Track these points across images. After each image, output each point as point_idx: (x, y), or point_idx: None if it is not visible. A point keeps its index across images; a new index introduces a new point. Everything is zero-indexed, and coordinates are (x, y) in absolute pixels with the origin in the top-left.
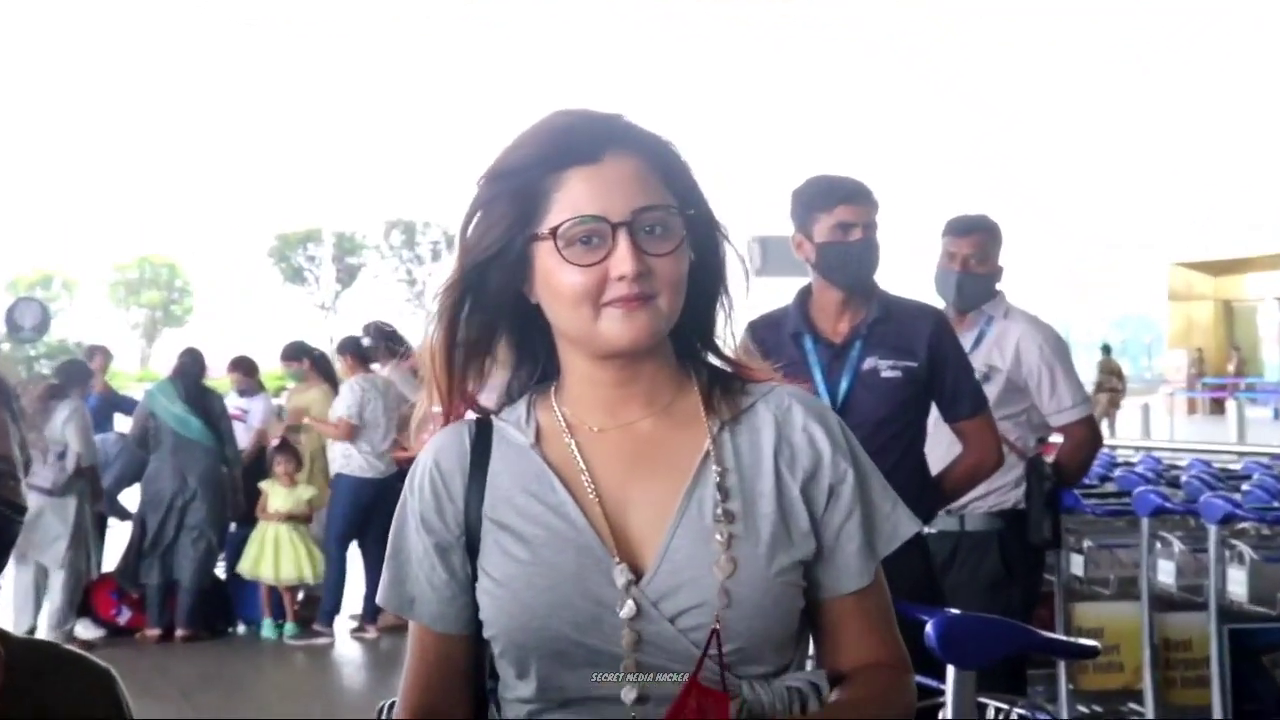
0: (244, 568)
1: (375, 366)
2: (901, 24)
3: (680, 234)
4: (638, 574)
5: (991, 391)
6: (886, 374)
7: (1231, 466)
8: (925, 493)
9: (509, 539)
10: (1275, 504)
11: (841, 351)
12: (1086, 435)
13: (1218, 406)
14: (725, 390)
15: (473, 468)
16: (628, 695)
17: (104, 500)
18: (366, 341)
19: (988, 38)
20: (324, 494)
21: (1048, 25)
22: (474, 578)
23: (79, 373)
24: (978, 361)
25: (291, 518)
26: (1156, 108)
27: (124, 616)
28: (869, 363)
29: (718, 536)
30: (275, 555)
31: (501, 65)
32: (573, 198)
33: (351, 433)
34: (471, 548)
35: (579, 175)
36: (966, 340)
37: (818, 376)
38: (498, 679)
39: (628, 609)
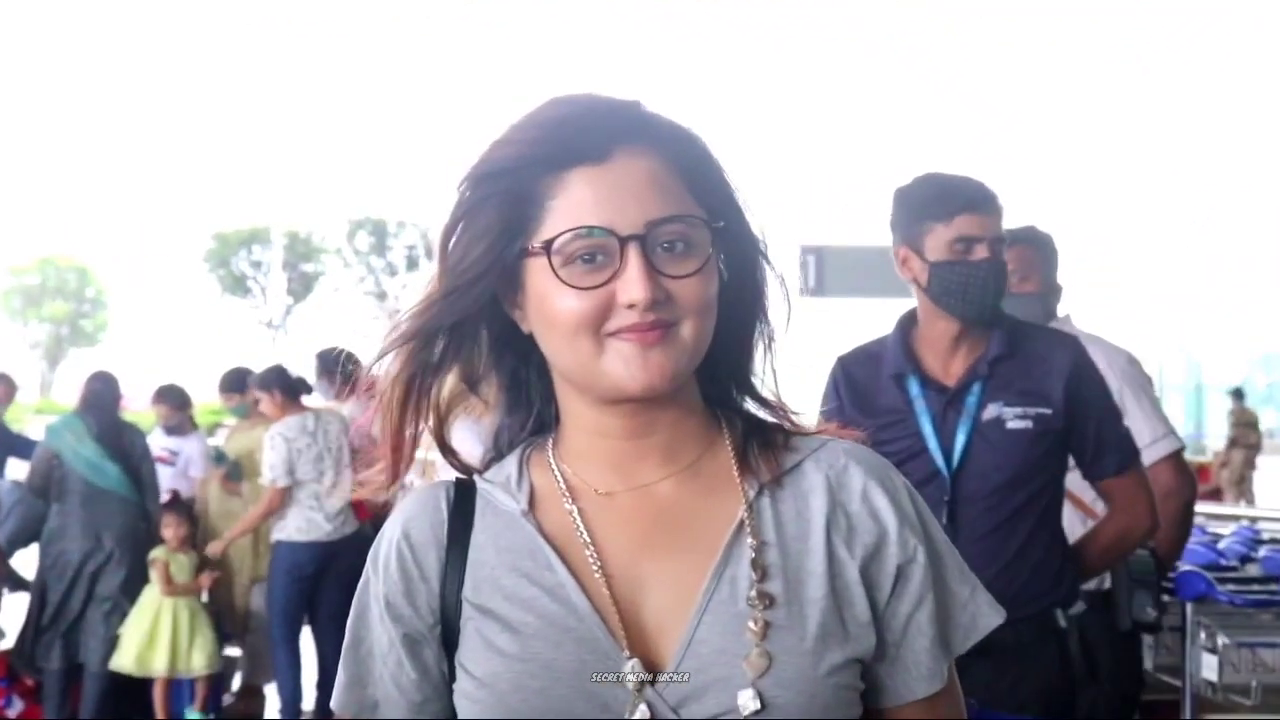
0: (124, 661)
1: (311, 401)
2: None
3: (707, 250)
4: (653, 672)
5: None
6: (1013, 424)
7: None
8: (1065, 570)
9: (494, 629)
10: (1249, 568)
11: (956, 397)
12: (1175, 480)
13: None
14: (764, 445)
15: (450, 541)
16: None
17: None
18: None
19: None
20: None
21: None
22: (451, 676)
23: None
24: None
25: (187, 591)
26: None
27: (14, 709)
28: (991, 410)
29: (751, 625)
30: (175, 640)
31: (488, 42)
32: (573, 205)
33: (282, 499)
34: (449, 640)
35: (582, 177)
36: None
37: (927, 429)
38: None
39: (640, 713)
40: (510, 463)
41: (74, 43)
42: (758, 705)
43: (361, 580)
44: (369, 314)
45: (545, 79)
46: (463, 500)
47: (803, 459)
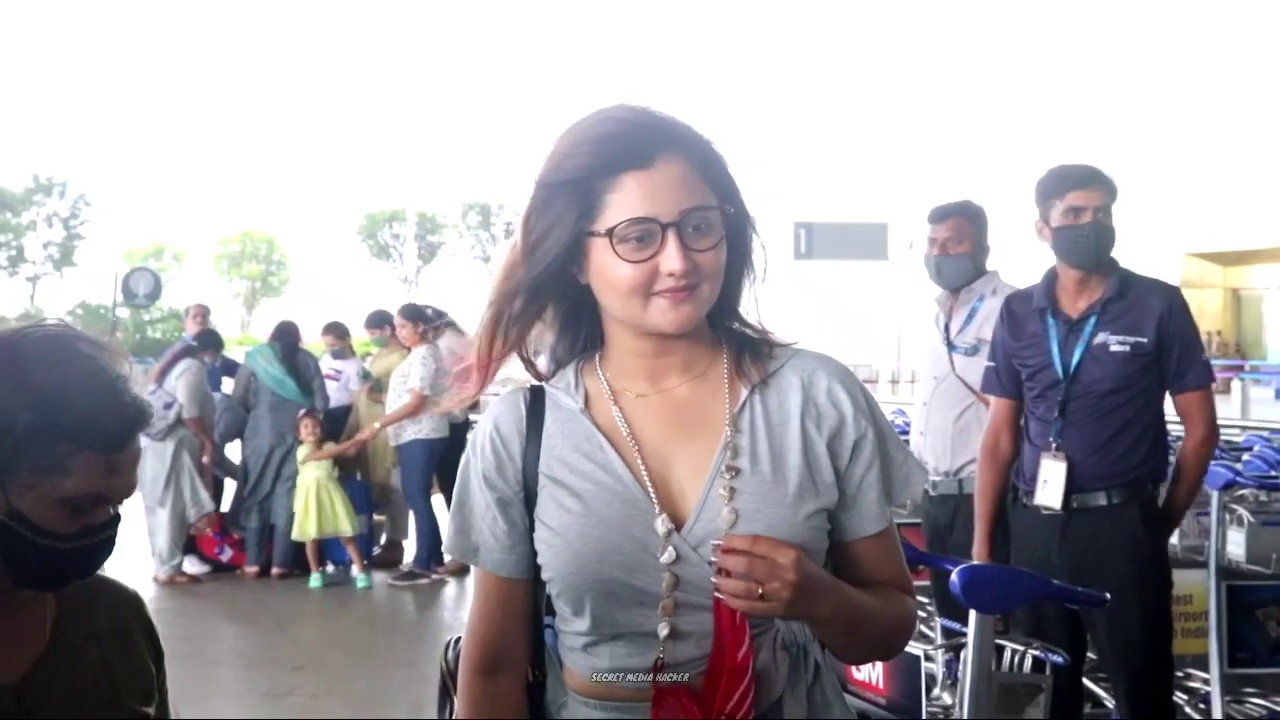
0: (294, 533)
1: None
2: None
3: (720, 229)
4: (678, 523)
5: (980, 363)
6: (1115, 348)
7: (1234, 439)
8: (1152, 456)
9: (563, 493)
10: (1273, 472)
11: (1077, 326)
12: None
13: (1224, 386)
14: (754, 356)
15: (529, 430)
16: (662, 631)
17: (214, 452)
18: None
19: (1005, 26)
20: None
21: (1059, 14)
22: (531, 528)
23: (210, 341)
24: (969, 336)
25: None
26: (1171, 102)
27: (226, 555)
28: (1100, 338)
29: (720, 491)
30: (320, 511)
31: (566, 57)
32: (627, 200)
33: (424, 404)
34: (529, 501)
35: (632, 179)
36: (959, 318)
37: (1054, 348)
38: (554, 615)
39: (668, 554)
40: (569, 372)
41: (267, 69)
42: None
43: (463, 459)
44: (477, 273)
45: (599, 73)
46: (536, 401)
47: (782, 365)
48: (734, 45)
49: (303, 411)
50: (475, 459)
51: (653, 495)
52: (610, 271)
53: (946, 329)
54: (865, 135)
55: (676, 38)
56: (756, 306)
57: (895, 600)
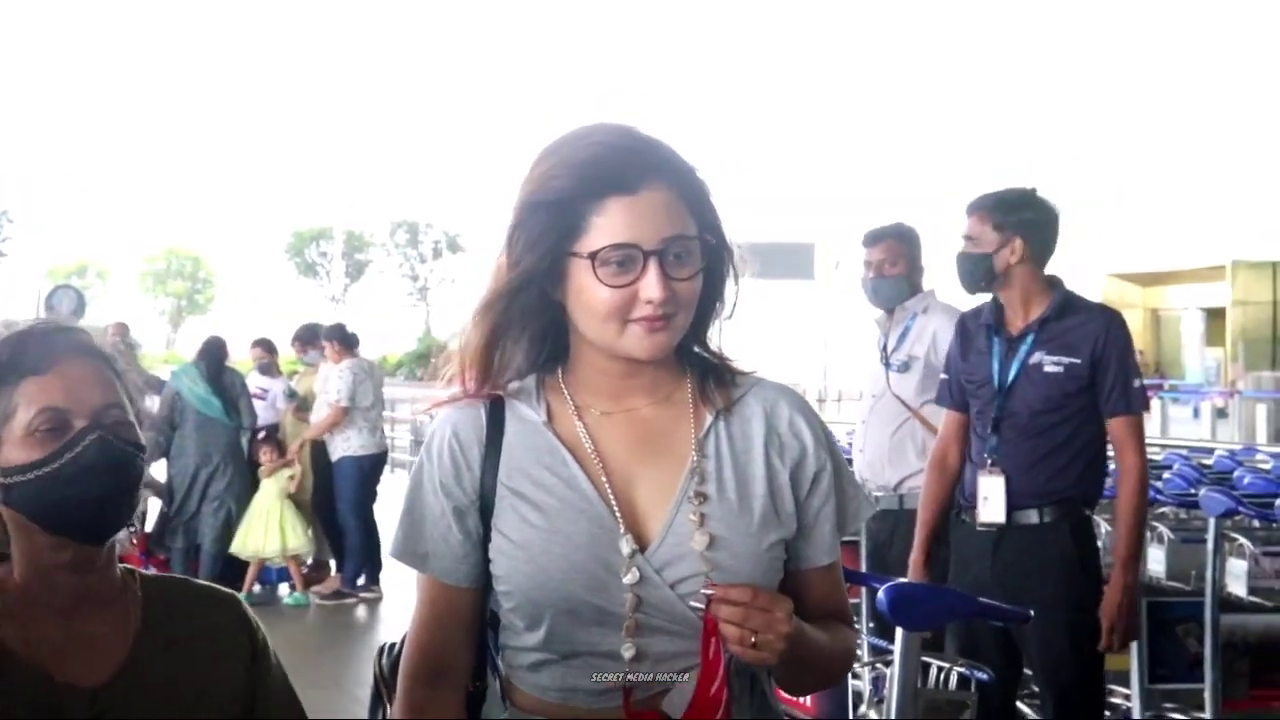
0: (234, 547)
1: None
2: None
3: (699, 259)
4: (642, 545)
5: (913, 379)
6: (1049, 369)
7: (1154, 458)
8: (1087, 476)
9: (525, 506)
10: (1191, 490)
11: (1015, 344)
12: None
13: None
14: (718, 382)
15: (489, 440)
16: (626, 652)
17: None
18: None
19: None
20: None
21: (983, 35)
22: (487, 538)
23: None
24: (902, 353)
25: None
26: (1094, 125)
27: None
28: (1035, 357)
29: (690, 516)
30: (261, 531)
31: (505, 72)
32: (611, 225)
33: (341, 416)
34: (485, 511)
35: (617, 204)
36: (894, 336)
37: (994, 365)
38: (498, 626)
39: (631, 575)
40: (529, 384)
41: (189, 85)
42: (708, 567)
43: (416, 465)
44: (405, 291)
45: (550, 91)
46: (496, 411)
47: (745, 392)
48: (660, 66)
49: (262, 435)
50: (431, 466)
51: (618, 514)
52: (589, 294)
53: (884, 348)
54: (790, 154)
55: (596, 55)
56: (720, 334)
57: (842, 634)
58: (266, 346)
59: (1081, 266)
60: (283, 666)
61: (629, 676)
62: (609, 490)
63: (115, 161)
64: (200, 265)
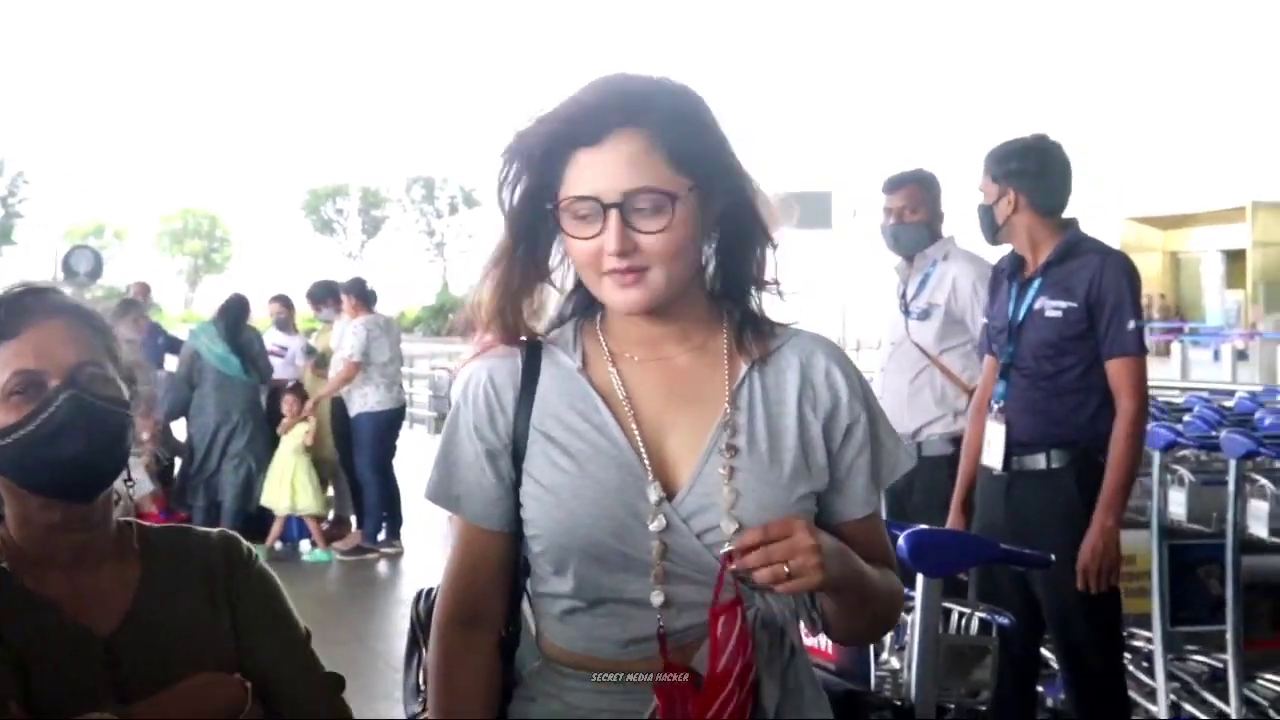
0: (265, 499)
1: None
2: None
3: (675, 210)
4: (670, 493)
5: (932, 326)
6: (1050, 313)
7: (1175, 400)
8: (1096, 419)
9: (556, 451)
10: (1213, 433)
11: (1024, 288)
12: None
13: (1164, 349)
14: (755, 332)
15: (523, 384)
16: (655, 599)
17: (156, 430)
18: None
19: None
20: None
21: None
22: (518, 482)
23: (130, 309)
24: (921, 301)
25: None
26: (1111, 68)
27: None
28: (1039, 301)
29: (720, 470)
30: (276, 486)
31: (518, 23)
32: (575, 177)
33: (355, 371)
34: (518, 455)
35: (583, 157)
36: (914, 284)
37: (1009, 308)
38: (530, 574)
39: (658, 523)
40: (568, 330)
41: (204, 42)
42: (735, 525)
43: (453, 409)
44: (422, 247)
45: (566, 45)
46: (532, 356)
47: (783, 344)
48: (677, 16)
49: (290, 385)
50: (466, 409)
51: (646, 462)
52: (569, 244)
53: (904, 295)
54: (807, 101)
55: (617, 6)
56: (772, 286)
57: (888, 575)
58: (284, 302)
59: (1100, 210)
60: (279, 591)
61: (660, 623)
62: (639, 437)
63: (131, 122)
64: (217, 224)
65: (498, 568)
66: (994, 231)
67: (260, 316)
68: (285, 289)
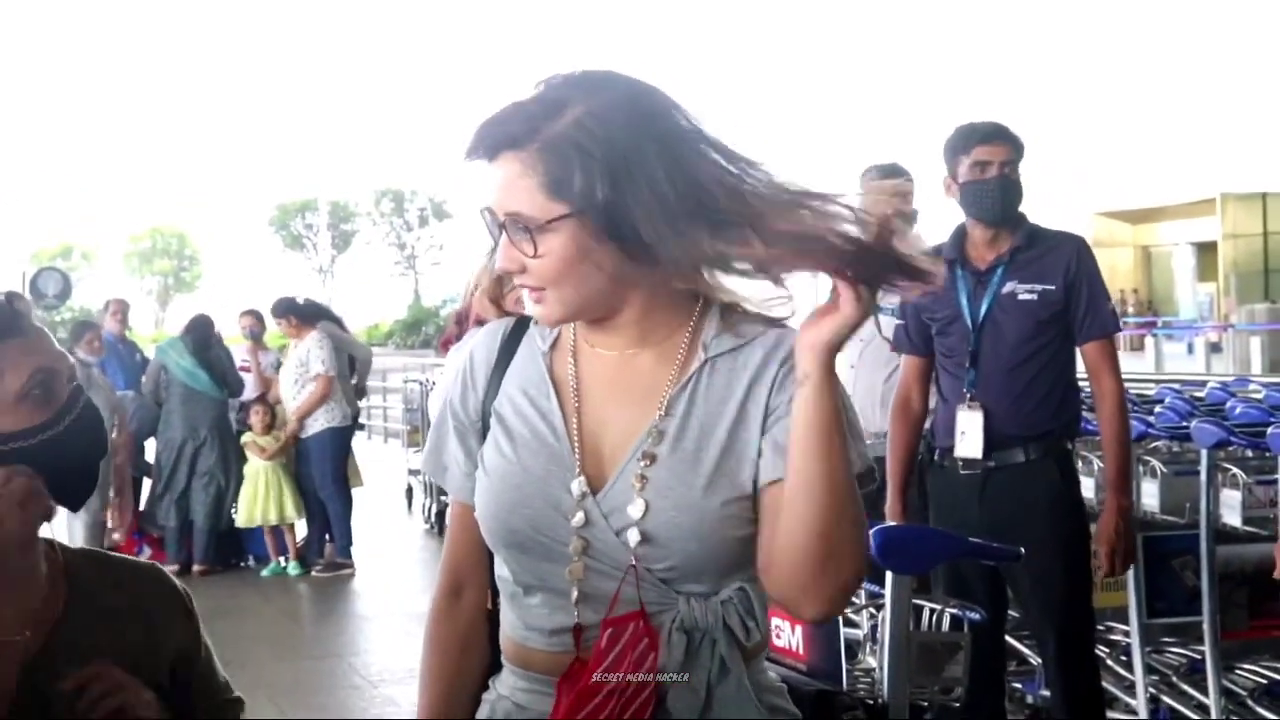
0: (240, 518)
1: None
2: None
3: (539, 239)
4: (595, 489)
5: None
6: (1023, 297)
7: (1147, 392)
8: (1066, 407)
9: (502, 435)
10: (1184, 423)
11: (985, 276)
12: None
13: (1138, 344)
14: (723, 328)
15: (497, 364)
16: (572, 594)
17: (129, 451)
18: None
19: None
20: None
21: None
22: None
23: (85, 330)
24: (894, 297)
25: (275, 456)
26: (1077, 60)
27: (145, 554)
28: (1008, 287)
29: (633, 480)
30: (269, 496)
31: (477, 35)
32: (485, 188)
33: (330, 386)
34: (482, 435)
35: (489, 170)
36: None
37: (963, 300)
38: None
39: (578, 518)
40: None
41: (168, 61)
42: (637, 538)
43: (443, 383)
44: (392, 259)
45: (537, 51)
46: (515, 335)
47: (749, 341)
48: (662, 19)
49: (255, 397)
50: (452, 383)
51: (577, 454)
52: None
53: None
54: (781, 92)
55: (592, 9)
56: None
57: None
58: (256, 316)
59: (1067, 205)
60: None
61: (577, 617)
62: (575, 428)
63: (95, 141)
64: (185, 243)
65: (476, 542)
66: (1013, 209)
67: (231, 334)
68: (257, 306)
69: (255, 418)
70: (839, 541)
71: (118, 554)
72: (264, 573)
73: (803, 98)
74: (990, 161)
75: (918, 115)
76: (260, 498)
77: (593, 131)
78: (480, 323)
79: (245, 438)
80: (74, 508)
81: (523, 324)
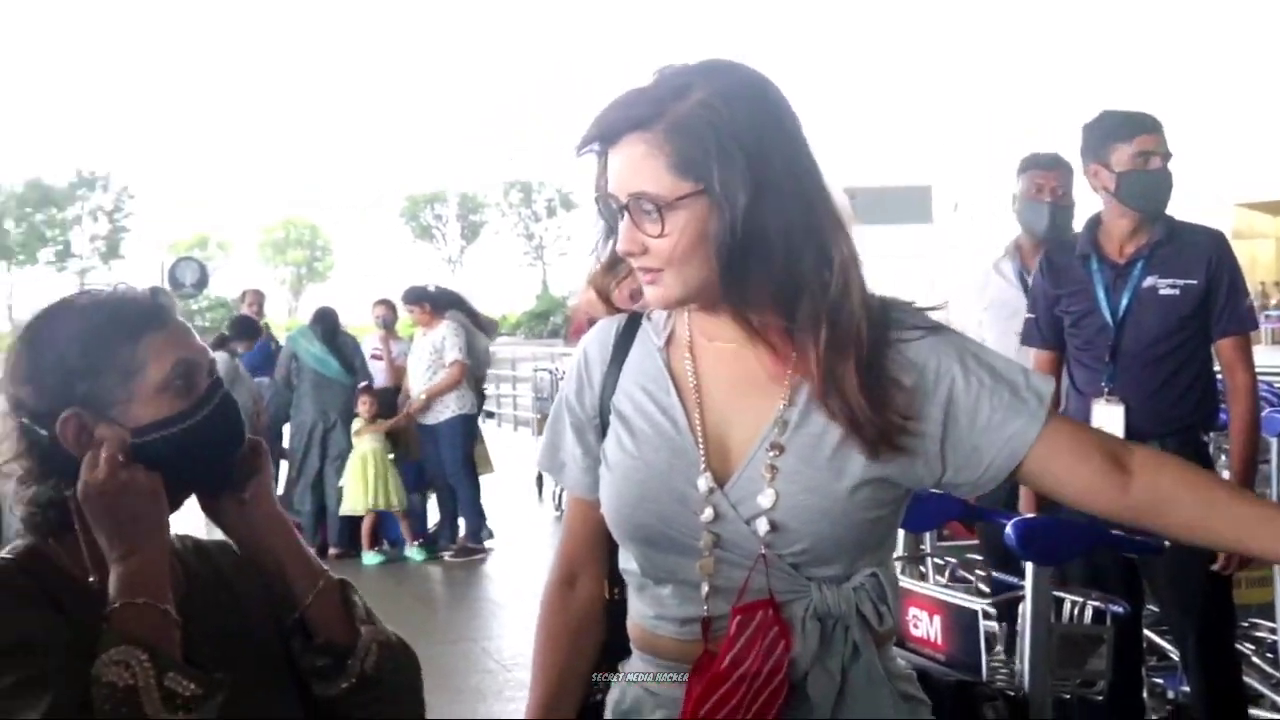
0: (344, 507)
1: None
2: None
3: (667, 217)
4: (722, 482)
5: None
6: (1165, 292)
7: None
8: (1206, 400)
9: (624, 430)
10: None
11: (1124, 271)
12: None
13: (1277, 337)
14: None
15: (612, 360)
16: (703, 588)
17: (268, 440)
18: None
19: None
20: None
21: None
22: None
23: (244, 329)
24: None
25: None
26: (1216, 53)
27: None
28: (1149, 281)
29: (763, 471)
30: (364, 486)
31: (604, 30)
32: (605, 173)
33: (464, 372)
34: (601, 430)
35: (609, 156)
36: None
37: (1100, 294)
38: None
39: (707, 514)
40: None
41: (301, 56)
42: (767, 527)
43: (564, 379)
44: (520, 250)
45: (653, 42)
46: (628, 331)
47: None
48: (772, 13)
49: (361, 386)
50: (568, 380)
51: (702, 450)
52: None
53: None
54: (904, 95)
55: (715, 6)
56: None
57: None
58: (389, 305)
59: (1207, 197)
60: None
61: (706, 610)
62: (699, 424)
63: (231, 134)
64: (318, 234)
65: (593, 535)
66: (1169, 198)
67: (362, 323)
68: (386, 296)
69: (362, 407)
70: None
71: (218, 539)
72: (372, 558)
73: (934, 93)
74: (1154, 152)
75: (1050, 104)
76: (371, 484)
77: (720, 110)
78: (591, 321)
79: (356, 425)
80: (208, 497)
81: (635, 321)
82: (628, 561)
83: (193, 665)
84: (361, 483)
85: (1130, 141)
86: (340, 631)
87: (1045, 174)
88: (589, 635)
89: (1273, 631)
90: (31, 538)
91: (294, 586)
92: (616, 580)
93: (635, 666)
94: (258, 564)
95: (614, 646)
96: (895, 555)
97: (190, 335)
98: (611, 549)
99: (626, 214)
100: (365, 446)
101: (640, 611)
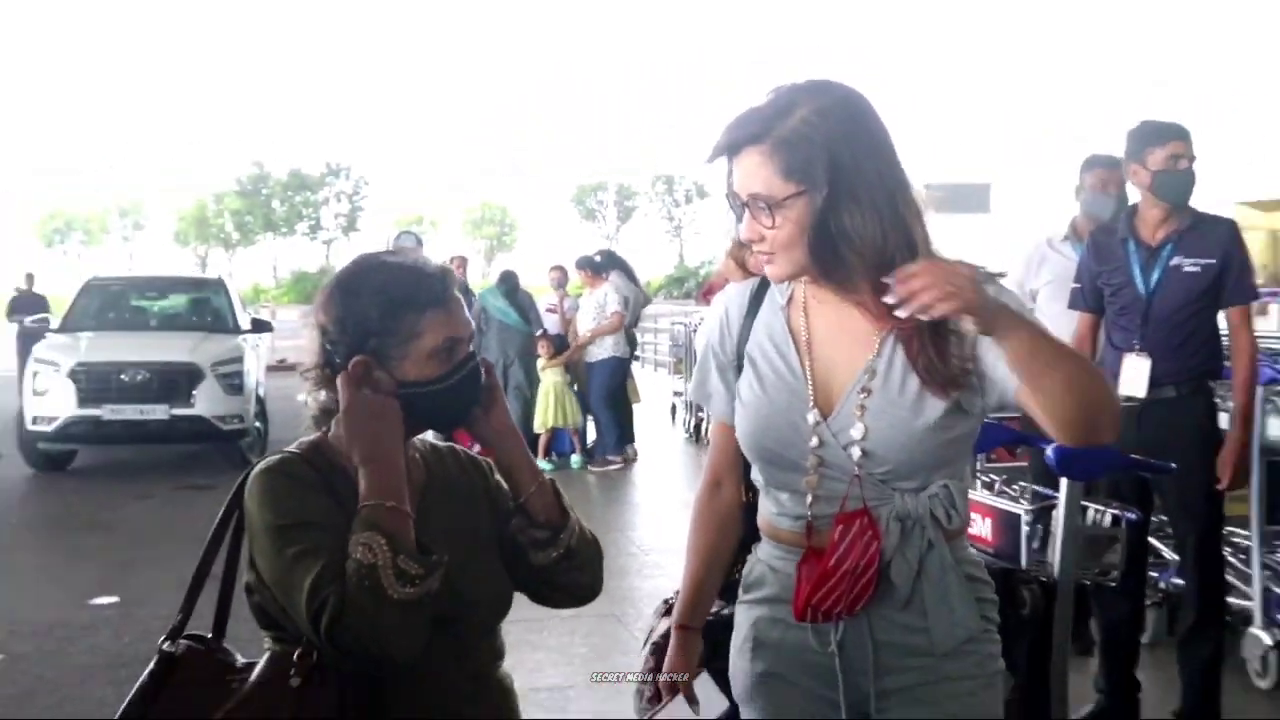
0: (536, 425)
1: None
2: None
3: (785, 215)
4: (825, 414)
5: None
6: (1189, 269)
7: (1274, 347)
8: (1212, 356)
9: (753, 374)
10: None
11: (1155, 252)
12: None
13: (1264, 309)
14: None
15: (747, 314)
16: (808, 498)
17: None
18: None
19: None
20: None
21: None
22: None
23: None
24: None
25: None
26: (1221, 62)
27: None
28: (1175, 261)
29: (854, 408)
30: (554, 409)
31: (740, 46)
32: (732, 176)
33: (623, 321)
34: (738, 370)
35: (734, 162)
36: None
37: (1135, 270)
38: None
39: (813, 441)
40: None
41: (496, 63)
42: (859, 453)
43: (704, 329)
44: (663, 230)
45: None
46: (759, 292)
47: None
48: (859, 16)
49: (539, 333)
50: (711, 329)
51: (810, 391)
52: None
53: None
54: (965, 95)
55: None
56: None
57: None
58: (562, 270)
59: (1212, 195)
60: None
61: (810, 514)
62: (809, 370)
63: (442, 137)
64: (506, 214)
65: (733, 451)
66: (1192, 193)
67: (541, 283)
68: (559, 262)
69: (542, 348)
70: (1092, 411)
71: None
72: (544, 464)
73: (994, 97)
74: (1183, 155)
75: (1100, 104)
76: (551, 408)
77: (818, 125)
78: (724, 284)
79: (539, 362)
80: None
81: (764, 284)
82: (756, 474)
83: (422, 547)
84: (545, 406)
85: (1164, 146)
86: (555, 514)
87: (1110, 171)
88: (731, 526)
89: (1247, 538)
90: (315, 433)
91: (519, 479)
92: (751, 486)
93: (763, 549)
94: (495, 462)
95: (746, 537)
96: None
97: (461, 312)
98: (747, 462)
99: (746, 210)
100: (549, 380)
101: (766, 509)
